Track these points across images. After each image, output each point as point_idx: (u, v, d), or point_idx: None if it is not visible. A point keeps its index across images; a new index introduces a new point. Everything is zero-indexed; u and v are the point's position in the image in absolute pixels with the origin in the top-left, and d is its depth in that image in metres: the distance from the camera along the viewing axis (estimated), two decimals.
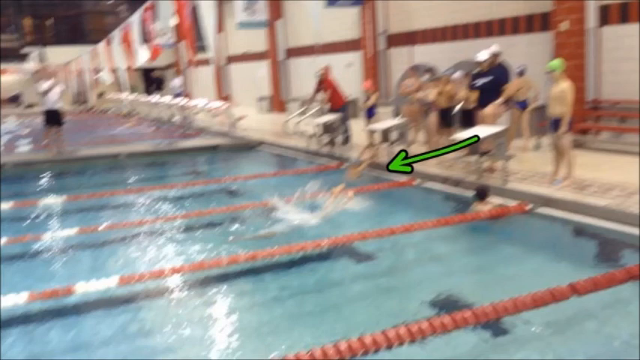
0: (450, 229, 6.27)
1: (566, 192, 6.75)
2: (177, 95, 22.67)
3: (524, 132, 9.91)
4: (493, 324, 3.84)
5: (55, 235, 6.50)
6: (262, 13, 18.81)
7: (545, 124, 7.99)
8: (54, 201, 8.17)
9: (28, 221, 7.36)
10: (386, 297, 4.72)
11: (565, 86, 7.05)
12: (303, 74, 19.87)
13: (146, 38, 19.43)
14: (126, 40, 21.09)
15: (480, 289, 4.77)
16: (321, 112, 13.20)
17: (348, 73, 17.30)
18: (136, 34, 19.76)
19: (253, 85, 23.78)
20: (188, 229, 6.76)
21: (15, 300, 4.41)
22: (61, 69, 31.06)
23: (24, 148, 14.92)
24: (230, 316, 4.45)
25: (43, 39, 36.88)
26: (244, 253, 5.34)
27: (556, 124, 7.15)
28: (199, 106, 18.71)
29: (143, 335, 4.21)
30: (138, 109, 25.57)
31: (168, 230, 6.67)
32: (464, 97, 8.99)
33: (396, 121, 10.18)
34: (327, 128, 11.39)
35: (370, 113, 11.32)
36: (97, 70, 28.16)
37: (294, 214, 6.73)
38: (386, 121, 10.51)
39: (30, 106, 32.65)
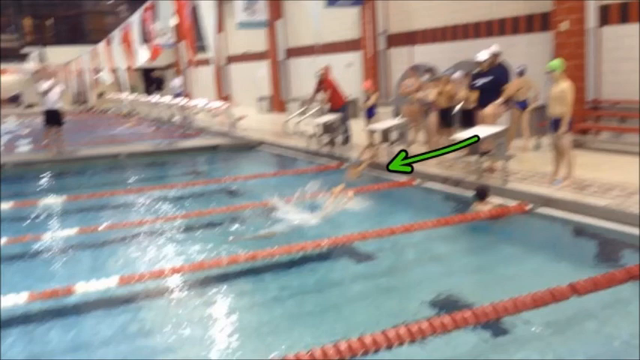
0: (450, 229, 6.27)
1: (566, 192, 6.75)
2: (177, 95, 22.66)
3: (524, 132, 9.91)
4: (493, 324, 3.84)
5: (55, 235, 6.50)
6: (262, 13, 18.81)
7: (545, 124, 7.99)
8: (54, 201, 8.16)
9: (28, 221, 7.36)
10: (386, 297, 4.72)
11: (565, 86, 7.05)
12: (303, 74, 19.87)
13: (146, 38, 19.42)
14: (126, 40, 21.09)
15: (480, 289, 4.77)
16: (321, 112, 13.19)
17: (348, 73, 17.29)
18: (136, 34, 19.75)
19: (253, 85, 23.78)
20: (188, 229, 6.76)
21: (15, 300, 4.41)
22: (61, 69, 31.06)
23: (24, 148, 14.91)
24: (230, 316, 4.45)
25: (43, 39, 36.87)
26: (244, 253, 5.33)
27: (556, 124, 7.15)
28: (199, 106, 18.70)
29: (143, 335, 4.21)
30: (138, 109, 25.56)
31: (168, 230, 6.67)
32: (464, 97, 8.99)
33: (396, 121, 10.18)
34: (327, 128, 11.39)
35: (370, 113, 11.31)
36: (97, 70, 28.16)
37: (294, 214, 6.73)
38: (386, 121, 10.51)
39: (30, 106, 32.64)
